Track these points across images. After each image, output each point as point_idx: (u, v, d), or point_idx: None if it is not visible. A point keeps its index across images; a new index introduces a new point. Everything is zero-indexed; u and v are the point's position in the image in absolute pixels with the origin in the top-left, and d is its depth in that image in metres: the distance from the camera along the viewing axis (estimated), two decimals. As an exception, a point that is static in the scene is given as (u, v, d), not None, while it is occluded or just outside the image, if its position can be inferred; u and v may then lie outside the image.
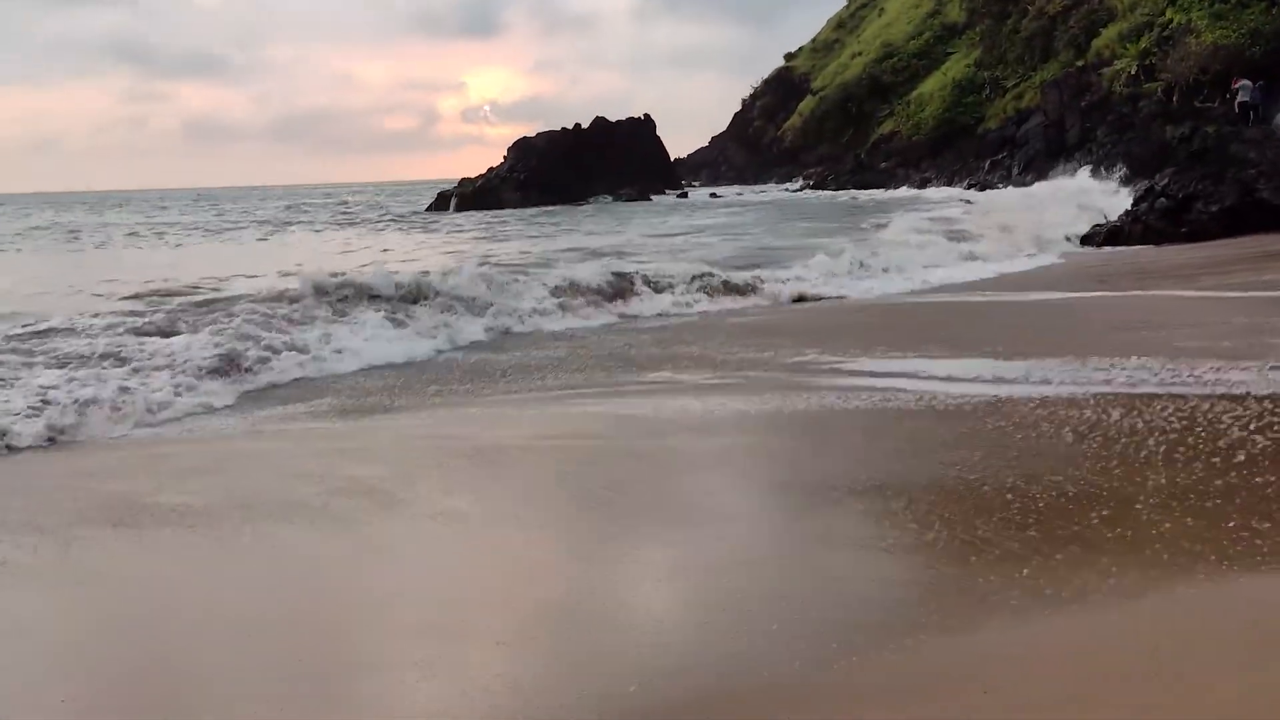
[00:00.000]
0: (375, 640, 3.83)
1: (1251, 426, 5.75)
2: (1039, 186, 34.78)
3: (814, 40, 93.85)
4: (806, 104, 79.92)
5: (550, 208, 52.26)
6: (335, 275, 11.36)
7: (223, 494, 5.49)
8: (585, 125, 64.57)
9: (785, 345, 9.48)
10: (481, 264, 14.76)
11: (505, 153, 62.57)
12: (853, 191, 53.88)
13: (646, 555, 4.61)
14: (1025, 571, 4.05)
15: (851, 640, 3.55)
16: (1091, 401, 6.53)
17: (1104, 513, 4.63)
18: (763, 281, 13.48)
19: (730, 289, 12.86)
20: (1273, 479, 4.96)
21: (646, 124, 71.18)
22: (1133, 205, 24.69)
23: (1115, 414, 6.19)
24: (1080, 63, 46.21)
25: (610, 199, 56.79)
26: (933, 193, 44.40)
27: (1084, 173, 33.80)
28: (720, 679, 3.33)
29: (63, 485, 5.86)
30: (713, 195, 64.30)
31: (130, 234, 36.20)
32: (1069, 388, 6.98)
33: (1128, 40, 42.53)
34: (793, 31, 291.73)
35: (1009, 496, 4.92)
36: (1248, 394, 6.44)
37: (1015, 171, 44.15)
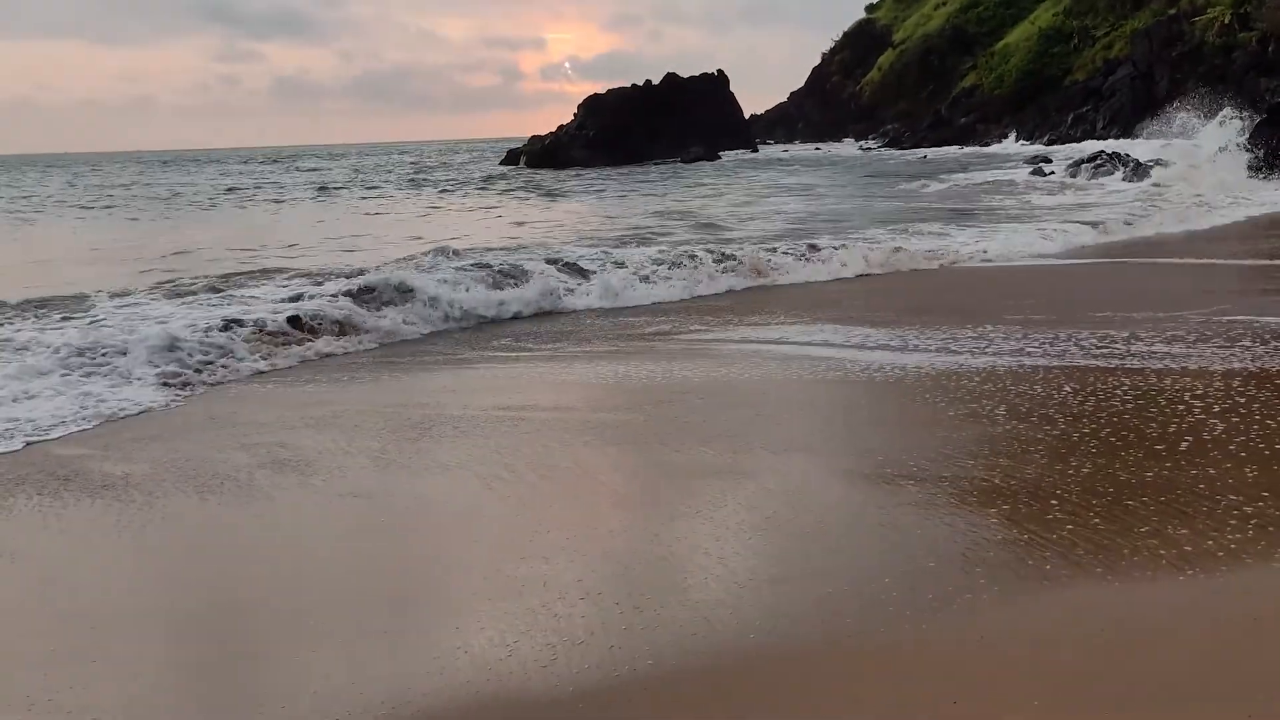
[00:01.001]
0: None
1: None
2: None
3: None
4: (886, 58, 77.66)
5: (619, 168, 51.88)
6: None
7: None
8: (656, 82, 63.66)
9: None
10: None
11: (575, 109, 62.24)
12: (925, 150, 52.25)
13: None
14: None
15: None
16: None
17: None
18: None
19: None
20: None
21: (719, 80, 69.89)
22: None
23: None
24: (1172, 11, 43.89)
25: (678, 160, 56.02)
26: (999, 150, 42.84)
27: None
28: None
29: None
30: (785, 151, 63.18)
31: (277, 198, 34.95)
32: None
33: (1223, -13, 40.21)
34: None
35: None
36: None
37: (1100, 126, 42.30)
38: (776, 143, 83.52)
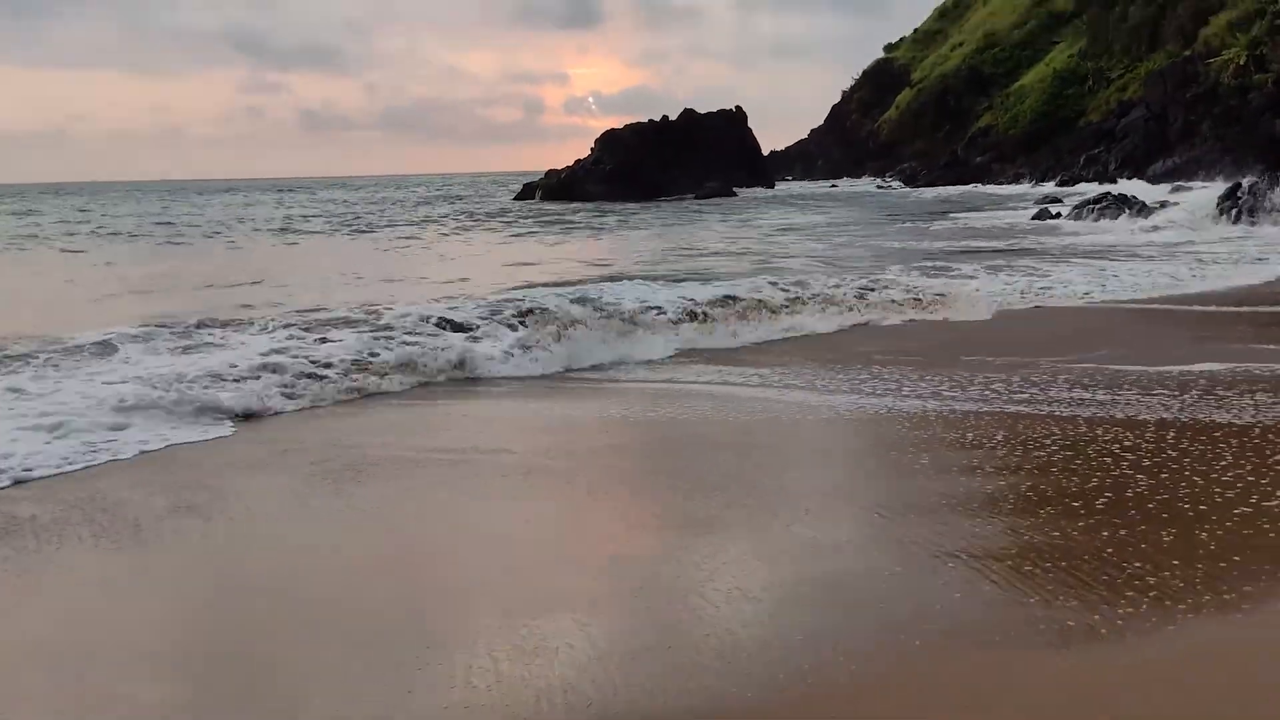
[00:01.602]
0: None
1: None
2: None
3: (916, 30, 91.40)
4: (903, 96, 77.89)
5: (634, 203, 51.95)
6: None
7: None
8: (674, 118, 63.97)
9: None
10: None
11: (593, 144, 62.57)
12: (939, 189, 52.18)
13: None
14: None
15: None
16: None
17: None
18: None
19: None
20: None
21: (738, 117, 70.20)
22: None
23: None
24: (1187, 52, 43.71)
25: (692, 196, 56.11)
26: (1010, 190, 42.66)
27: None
28: None
29: None
30: (802, 189, 63.23)
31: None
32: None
33: (1238, 29, 39.99)
34: (900, 21, 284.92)
35: None
36: None
37: (1111, 167, 42.03)
38: (795, 179, 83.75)
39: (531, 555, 4.60)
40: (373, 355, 8.52)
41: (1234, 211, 22.29)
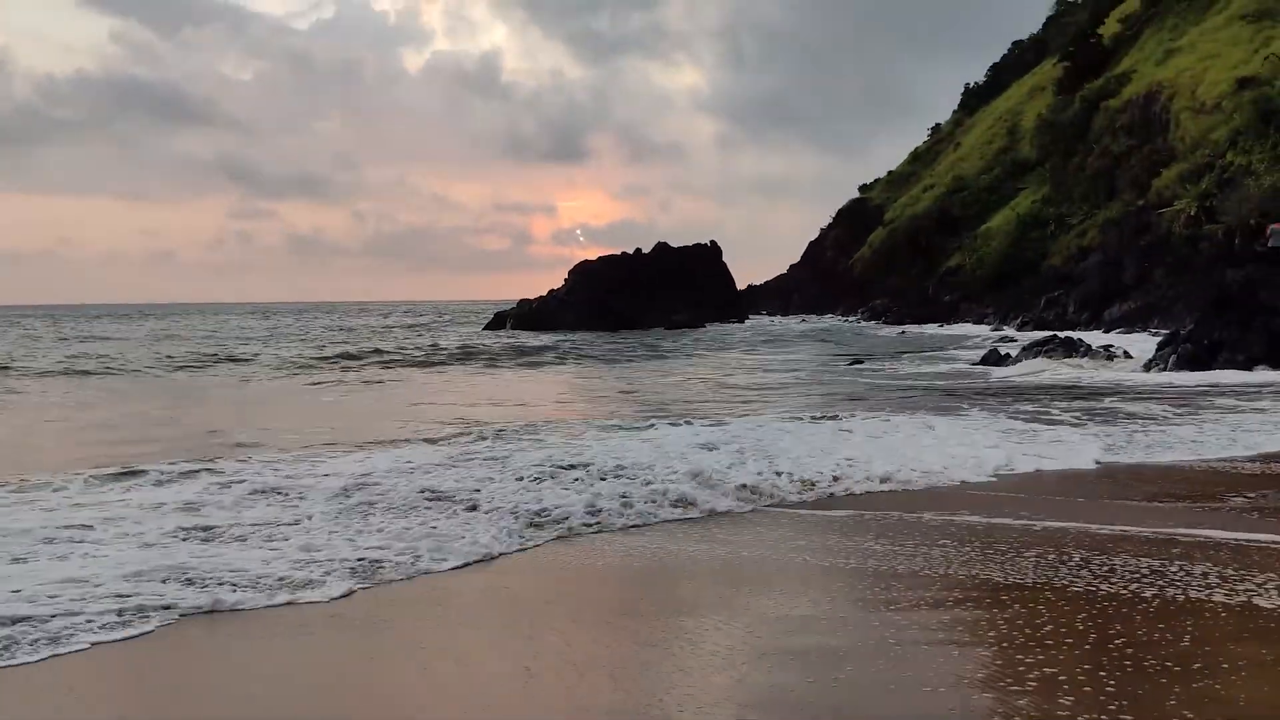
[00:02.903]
0: None
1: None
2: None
3: (890, 173, 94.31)
4: (876, 235, 79.67)
5: (602, 333, 52.26)
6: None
7: None
8: (647, 251, 65.14)
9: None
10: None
11: (566, 275, 63.44)
12: (905, 326, 52.83)
13: None
14: None
15: None
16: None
17: None
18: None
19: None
20: None
21: (712, 251, 71.54)
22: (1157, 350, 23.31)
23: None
24: (1141, 203, 44.94)
25: (662, 327, 56.56)
26: (971, 330, 43.08)
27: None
28: None
29: None
30: (770, 322, 63.92)
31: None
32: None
33: (1188, 181, 41.20)
34: (875, 163, 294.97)
35: None
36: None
37: (1070, 310, 42.60)
38: (770, 314, 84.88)
39: None
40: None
41: (1172, 358, 22.37)
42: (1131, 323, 37.77)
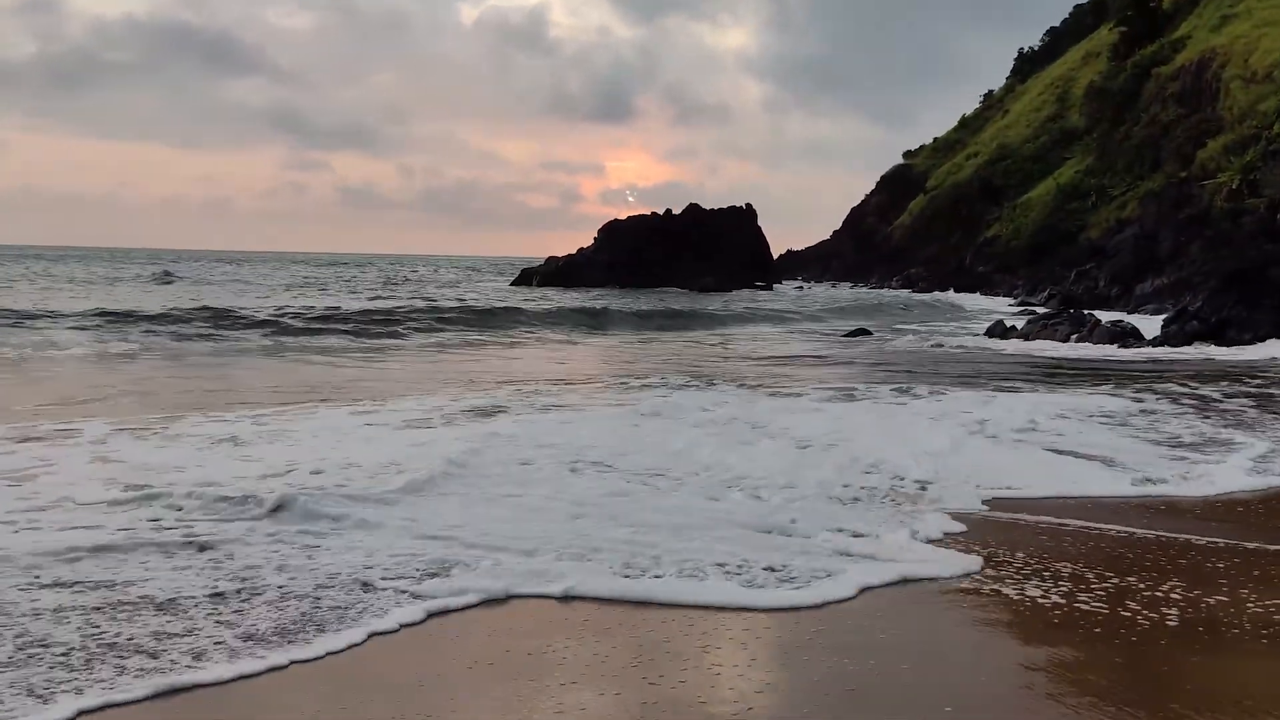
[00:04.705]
0: None
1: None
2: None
3: (936, 140, 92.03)
4: (917, 203, 77.97)
5: (627, 291, 51.91)
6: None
7: None
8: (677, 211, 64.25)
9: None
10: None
11: (596, 233, 62.93)
12: (937, 293, 51.69)
13: None
14: None
15: None
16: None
17: None
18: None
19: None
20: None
21: (747, 214, 70.35)
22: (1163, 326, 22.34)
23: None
24: (1184, 174, 43.16)
25: (690, 289, 55.91)
26: (986, 303, 41.96)
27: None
28: None
29: None
30: (798, 288, 63.04)
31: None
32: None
33: (1233, 153, 39.41)
34: (925, 131, 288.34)
35: None
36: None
37: (1101, 284, 41.17)
38: (809, 279, 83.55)
39: None
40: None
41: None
42: (1163, 299, 36.33)
